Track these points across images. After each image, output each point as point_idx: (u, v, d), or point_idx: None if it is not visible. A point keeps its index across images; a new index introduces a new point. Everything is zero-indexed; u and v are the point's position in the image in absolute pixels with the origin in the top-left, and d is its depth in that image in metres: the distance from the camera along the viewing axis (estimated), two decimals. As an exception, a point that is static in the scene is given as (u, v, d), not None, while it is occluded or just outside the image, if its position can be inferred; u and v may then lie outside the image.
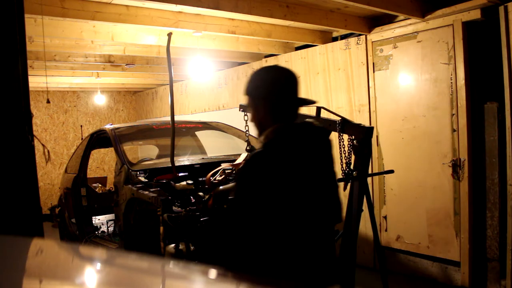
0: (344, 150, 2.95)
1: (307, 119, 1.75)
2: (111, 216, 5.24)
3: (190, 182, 3.48)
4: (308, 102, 1.76)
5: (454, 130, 3.95)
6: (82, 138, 7.71)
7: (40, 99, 8.74)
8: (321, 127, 1.74)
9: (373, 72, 4.59)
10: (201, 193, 3.39)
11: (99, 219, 5.60)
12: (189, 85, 7.88)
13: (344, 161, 2.94)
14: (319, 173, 1.68)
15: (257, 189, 1.53)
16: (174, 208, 3.29)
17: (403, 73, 4.34)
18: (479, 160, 3.90)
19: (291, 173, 1.57)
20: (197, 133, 5.41)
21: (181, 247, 3.24)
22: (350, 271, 2.95)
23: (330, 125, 2.95)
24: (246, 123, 3.39)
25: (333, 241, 1.82)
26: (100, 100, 8.73)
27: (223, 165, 3.45)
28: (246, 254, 1.56)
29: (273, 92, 1.63)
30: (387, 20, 4.46)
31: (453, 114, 3.95)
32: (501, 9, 3.60)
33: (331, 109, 3.67)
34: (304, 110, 3.44)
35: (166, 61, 4.11)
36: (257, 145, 1.91)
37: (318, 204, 1.66)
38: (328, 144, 1.76)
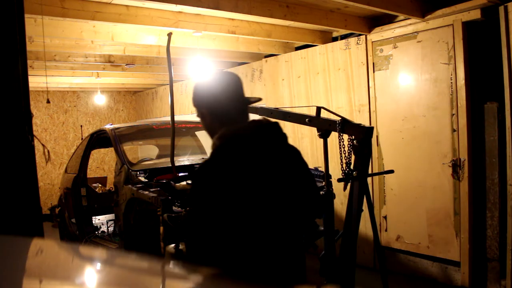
0: (344, 150, 2.94)
1: (256, 119, 1.72)
2: (111, 216, 5.24)
3: (190, 182, 3.48)
4: (253, 101, 1.75)
5: (454, 130, 3.95)
6: (82, 138, 7.71)
7: (40, 99, 8.74)
8: (271, 123, 1.69)
9: (373, 72, 4.59)
10: (201, 193, 3.39)
11: (99, 219, 5.60)
12: (189, 85, 7.88)
13: (344, 161, 2.94)
14: (275, 170, 1.64)
15: (208, 198, 1.55)
16: (174, 208, 3.30)
17: (403, 73, 4.34)
18: (479, 160, 3.90)
19: (241, 177, 1.56)
20: (197, 133, 5.42)
21: (181, 247, 3.24)
22: (350, 271, 2.95)
23: (330, 125, 2.94)
24: None
25: (300, 237, 1.79)
26: (100, 100, 8.73)
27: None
28: (209, 254, 1.59)
29: (212, 99, 1.66)
30: (387, 20, 4.46)
31: (453, 114, 3.95)
32: (501, 9, 3.60)
33: (331, 109, 3.67)
34: (304, 110, 3.45)
35: (166, 61, 4.11)
36: None
37: (278, 202, 1.64)
38: (283, 138, 1.73)
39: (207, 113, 1.68)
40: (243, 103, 1.71)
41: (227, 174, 1.55)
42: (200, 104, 1.71)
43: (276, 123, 1.72)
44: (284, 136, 1.73)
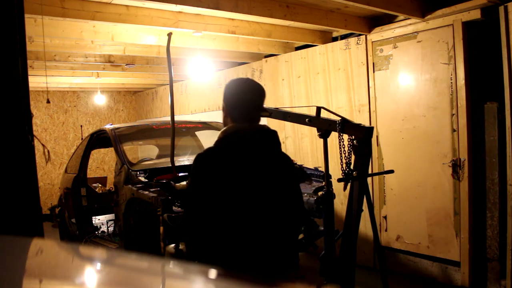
0: (344, 150, 2.94)
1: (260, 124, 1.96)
2: (111, 216, 5.24)
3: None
4: (264, 110, 2.05)
5: (454, 130, 3.95)
6: (82, 138, 7.71)
7: (40, 99, 8.74)
8: (271, 130, 1.95)
9: (373, 72, 4.59)
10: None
11: (99, 219, 5.60)
12: (189, 85, 7.88)
13: (344, 161, 2.94)
14: (264, 171, 1.86)
15: (199, 184, 1.81)
16: (174, 208, 3.30)
17: (403, 73, 4.34)
18: (479, 160, 3.90)
19: (232, 169, 1.80)
20: (197, 133, 5.42)
21: (181, 247, 3.24)
22: (350, 271, 2.95)
23: (330, 125, 2.94)
24: None
25: (288, 237, 1.96)
26: (100, 100, 8.73)
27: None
28: (197, 243, 1.83)
29: (230, 99, 1.93)
30: (387, 20, 4.46)
31: (453, 114, 3.95)
32: (501, 9, 3.60)
33: (331, 109, 3.67)
34: (304, 110, 3.45)
35: (166, 61, 4.11)
36: None
37: (263, 199, 1.83)
38: (278, 145, 1.96)
39: (225, 109, 1.95)
40: (256, 111, 1.94)
41: (221, 164, 1.80)
42: (224, 98, 1.96)
43: (275, 132, 1.95)
44: (279, 144, 1.97)
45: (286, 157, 2.02)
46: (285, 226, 1.92)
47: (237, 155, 1.82)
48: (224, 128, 1.90)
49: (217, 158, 1.82)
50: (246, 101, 1.91)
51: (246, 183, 1.81)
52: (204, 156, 1.85)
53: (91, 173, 8.08)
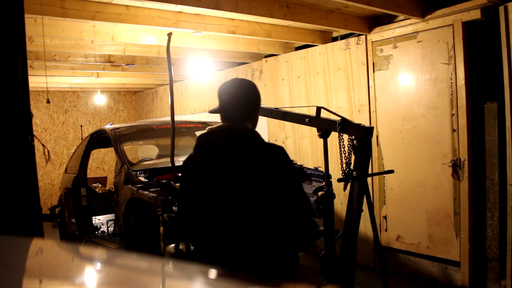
0: (344, 150, 2.95)
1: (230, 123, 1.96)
2: (111, 216, 5.24)
3: None
4: (255, 110, 2.04)
5: (454, 130, 3.95)
6: (82, 138, 7.71)
7: (40, 99, 8.74)
8: (247, 129, 1.93)
9: (373, 72, 4.58)
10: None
11: (99, 219, 5.60)
12: (189, 85, 7.88)
13: (344, 161, 2.94)
14: (235, 170, 1.85)
15: (183, 185, 1.95)
16: (174, 208, 3.30)
17: (403, 73, 4.34)
18: (479, 160, 3.90)
19: (204, 172, 1.88)
20: (197, 133, 5.42)
21: (181, 247, 3.24)
22: (350, 271, 2.95)
23: (330, 125, 2.94)
24: None
25: (280, 235, 1.92)
26: (100, 100, 8.73)
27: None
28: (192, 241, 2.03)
29: (220, 97, 1.99)
30: (387, 20, 4.46)
31: (453, 114, 3.95)
32: (501, 9, 3.60)
33: (331, 109, 3.67)
34: (304, 110, 3.45)
35: (166, 61, 4.11)
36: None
37: (236, 199, 1.84)
38: (252, 140, 1.93)
39: (218, 107, 1.98)
40: (238, 110, 1.93)
41: (194, 168, 1.91)
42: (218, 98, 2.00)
43: (255, 132, 1.93)
44: (253, 138, 1.91)
45: (276, 151, 1.91)
46: (274, 223, 1.86)
47: (208, 157, 1.89)
48: (206, 130, 1.97)
49: (193, 163, 1.93)
50: (234, 101, 1.95)
51: (219, 183, 1.86)
52: (184, 163, 1.96)
53: (91, 173, 8.08)
